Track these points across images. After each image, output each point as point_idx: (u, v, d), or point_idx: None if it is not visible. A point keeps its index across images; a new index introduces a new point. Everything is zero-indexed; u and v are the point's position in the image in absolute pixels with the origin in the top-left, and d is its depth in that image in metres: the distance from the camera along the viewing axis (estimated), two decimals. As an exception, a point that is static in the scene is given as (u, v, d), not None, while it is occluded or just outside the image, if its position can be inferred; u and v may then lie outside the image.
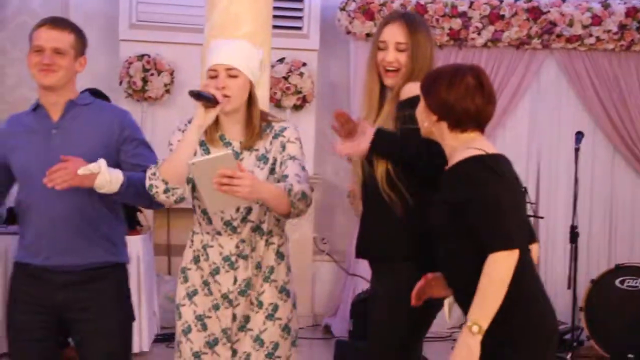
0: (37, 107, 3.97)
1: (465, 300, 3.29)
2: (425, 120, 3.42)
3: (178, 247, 8.58)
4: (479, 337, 3.17)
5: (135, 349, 7.53)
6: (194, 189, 3.81)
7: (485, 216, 3.23)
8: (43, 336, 3.91)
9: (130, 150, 3.94)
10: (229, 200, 3.54)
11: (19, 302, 3.95)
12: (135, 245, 7.52)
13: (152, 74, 9.19)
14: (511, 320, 3.25)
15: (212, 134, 3.83)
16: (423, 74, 3.72)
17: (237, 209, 3.78)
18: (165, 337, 8.21)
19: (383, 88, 3.90)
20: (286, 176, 3.75)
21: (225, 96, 3.70)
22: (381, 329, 3.83)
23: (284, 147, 3.82)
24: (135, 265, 7.52)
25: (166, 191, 3.69)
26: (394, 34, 3.82)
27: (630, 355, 7.88)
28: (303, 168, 3.83)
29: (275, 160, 3.81)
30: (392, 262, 3.81)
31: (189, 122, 3.87)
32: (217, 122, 3.76)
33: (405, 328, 3.78)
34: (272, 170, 3.81)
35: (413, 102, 3.64)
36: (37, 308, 3.89)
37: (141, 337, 7.68)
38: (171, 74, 9.28)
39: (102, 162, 3.71)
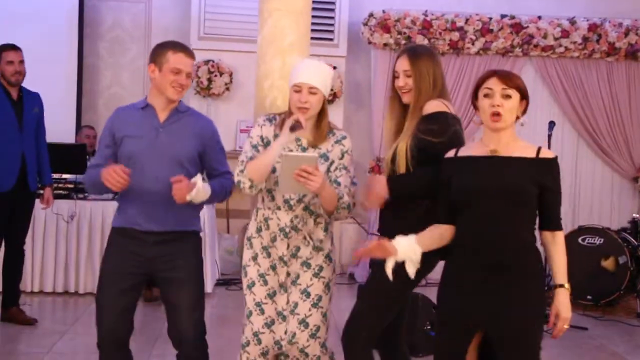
0: (146, 107, 3.96)
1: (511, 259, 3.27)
2: (515, 113, 3.33)
3: (234, 211, 8.64)
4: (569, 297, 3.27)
5: (202, 290, 7.62)
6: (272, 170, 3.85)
7: (558, 203, 3.32)
8: (128, 286, 3.89)
9: (213, 154, 3.96)
10: (298, 188, 3.60)
11: (114, 257, 3.94)
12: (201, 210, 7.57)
13: (215, 75, 9.25)
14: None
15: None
16: (430, 89, 3.79)
17: None
18: (225, 282, 8.28)
19: (403, 105, 3.90)
20: (339, 183, 3.80)
21: (306, 109, 3.75)
22: (380, 278, 3.82)
23: (342, 155, 3.86)
24: (201, 225, 7.58)
25: (251, 187, 3.78)
26: (402, 65, 3.84)
27: (589, 297, 7.90)
28: (353, 180, 3.88)
29: (333, 161, 3.84)
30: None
31: (268, 119, 3.94)
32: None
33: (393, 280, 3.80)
34: (329, 167, 3.84)
35: (433, 117, 3.70)
36: (131, 261, 3.89)
37: (205, 281, 7.74)
38: (230, 75, 9.33)
39: (198, 180, 3.75)
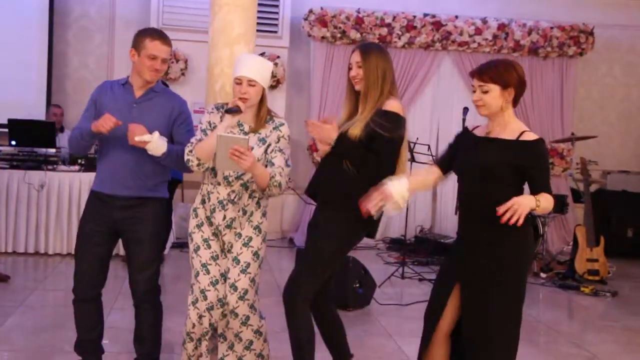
0: (126, 83, 3.97)
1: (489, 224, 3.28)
2: (501, 102, 3.34)
3: (188, 182, 8.59)
4: (535, 206, 3.21)
5: (159, 251, 7.58)
6: None
7: (544, 178, 3.33)
8: (101, 241, 3.93)
9: (180, 130, 3.95)
10: (232, 166, 3.62)
11: (89, 216, 3.97)
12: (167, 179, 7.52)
13: (172, 62, 9.14)
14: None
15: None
16: (378, 80, 3.81)
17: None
18: (179, 245, 8.23)
19: (356, 93, 3.91)
20: (273, 164, 3.79)
21: (245, 99, 3.75)
22: (319, 246, 3.86)
23: (278, 139, 3.85)
24: (166, 192, 7.52)
25: (198, 165, 3.79)
26: (355, 57, 3.89)
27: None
28: (287, 162, 3.85)
29: (270, 144, 3.83)
30: (337, 206, 3.84)
31: (216, 107, 3.94)
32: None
33: (330, 246, 3.83)
34: (266, 150, 3.83)
35: (391, 115, 3.73)
36: (101, 220, 3.92)
37: (162, 243, 7.71)
38: (185, 62, 9.25)
39: (155, 134, 3.77)
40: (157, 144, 3.77)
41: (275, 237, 9.22)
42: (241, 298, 3.84)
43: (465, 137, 3.56)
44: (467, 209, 3.44)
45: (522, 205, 3.16)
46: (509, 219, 3.14)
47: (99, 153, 4.02)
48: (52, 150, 7.65)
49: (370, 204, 3.44)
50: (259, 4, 7.52)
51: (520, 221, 3.15)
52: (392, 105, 3.79)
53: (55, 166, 7.56)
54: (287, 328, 3.84)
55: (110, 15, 9.44)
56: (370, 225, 3.86)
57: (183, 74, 9.23)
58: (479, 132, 3.51)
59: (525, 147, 3.30)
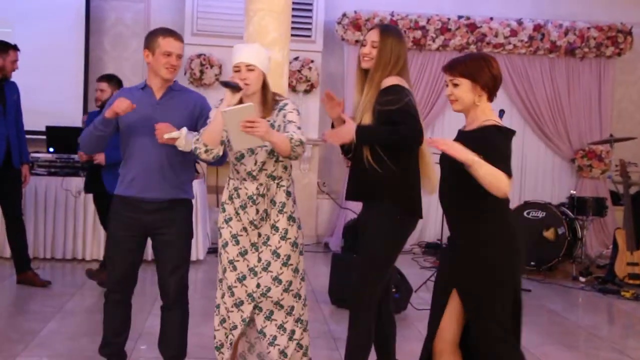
0: (144, 87, 4.00)
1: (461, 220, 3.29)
2: (472, 97, 3.26)
3: (223, 187, 8.61)
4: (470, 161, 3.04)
5: (194, 257, 7.61)
6: (231, 147, 3.84)
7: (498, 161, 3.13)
8: (133, 246, 3.97)
9: (203, 125, 3.93)
10: (250, 140, 3.57)
11: (118, 222, 3.99)
12: (194, 187, 7.51)
13: (206, 67, 9.20)
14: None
15: None
16: (390, 63, 3.78)
17: (255, 162, 3.80)
18: (214, 250, 8.22)
19: (363, 74, 3.89)
20: (287, 132, 3.74)
21: (246, 84, 3.74)
22: (372, 248, 3.83)
23: (284, 116, 3.82)
24: (193, 200, 7.56)
25: (206, 151, 3.76)
26: (371, 36, 3.84)
27: (532, 263, 7.98)
28: (299, 128, 3.79)
29: (279, 126, 3.80)
30: (379, 200, 3.82)
31: (221, 101, 3.90)
32: (241, 102, 3.74)
33: (385, 248, 3.81)
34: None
35: (389, 89, 3.68)
36: (130, 226, 3.95)
37: (198, 249, 7.75)
38: (220, 67, 9.29)
39: (183, 130, 3.80)
40: (186, 140, 3.80)
41: (311, 242, 9.22)
42: (286, 290, 3.86)
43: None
44: (443, 205, 3.40)
45: (449, 143, 3.09)
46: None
47: (123, 157, 4.03)
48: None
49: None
50: (293, 9, 7.54)
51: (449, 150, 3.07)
52: (388, 81, 3.74)
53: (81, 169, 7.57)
54: (347, 336, 3.83)
55: (145, 22, 9.53)
56: (412, 206, 3.80)
57: (217, 79, 9.27)
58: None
59: (477, 135, 3.23)
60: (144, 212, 3.93)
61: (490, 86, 3.27)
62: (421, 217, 3.91)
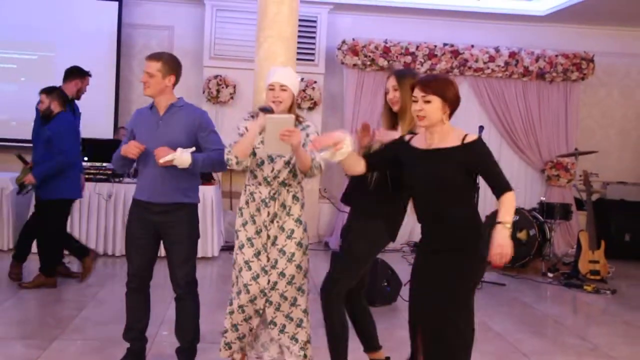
0: (152, 107, 4.01)
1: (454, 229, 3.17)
2: (440, 114, 3.14)
3: (236, 192, 8.62)
4: (509, 229, 3.10)
5: (209, 254, 7.59)
6: (254, 154, 3.83)
7: (496, 172, 3.21)
8: (146, 242, 3.97)
9: (203, 136, 3.93)
10: (282, 148, 3.57)
11: (133, 221, 4.01)
12: (210, 192, 7.56)
13: (222, 87, 9.19)
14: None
15: None
16: (411, 100, 3.78)
17: (272, 170, 3.80)
18: (228, 248, 8.22)
19: (393, 114, 3.87)
20: (309, 152, 3.74)
21: (279, 102, 3.75)
22: (355, 250, 3.85)
23: (307, 135, 3.81)
24: (209, 204, 7.56)
25: (237, 163, 3.77)
26: (391, 82, 3.84)
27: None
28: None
29: (302, 143, 3.76)
30: (368, 216, 3.82)
31: (251, 115, 3.91)
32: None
33: (363, 248, 3.82)
34: None
35: None
36: (143, 225, 3.96)
37: (213, 246, 7.72)
38: (234, 87, 9.28)
39: (178, 151, 3.79)
40: (181, 159, 3.80)
41: (313, 241, 9.18)
42: (289, 283, 3.84)
43: (403, 149, 3.31)
44: (428, 219, 3.24)
45: (504, 245, 3.06)
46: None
47: (138, 166, 4.07)
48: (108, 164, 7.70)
49: (322, 141, 3.22)
50: (299, 36, 7.54)
51: (509, 257, 3.06)
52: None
53: (121, 179, 7.61)
54: (324, 320, 3.82)
55: (169, 47, 9.51)
56: (393, 231, 3.85)
57: (232, 98, 9.28)
58: (418, 144, 3.27)
59: (470, 149, 3.15)
60: (153, 213, 3.94)
61: (454, 105, 3.19)
62: (393, 241, 3.94)
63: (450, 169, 3.13)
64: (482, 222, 3.27)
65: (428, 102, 3.13)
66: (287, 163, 3.81)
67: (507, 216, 3.12)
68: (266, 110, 3.70)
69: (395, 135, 3.66)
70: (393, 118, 3.89)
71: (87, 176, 7.58)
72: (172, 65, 3.94)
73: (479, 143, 3.17)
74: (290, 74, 3.84)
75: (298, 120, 3.86)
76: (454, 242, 3.15)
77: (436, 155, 3.17)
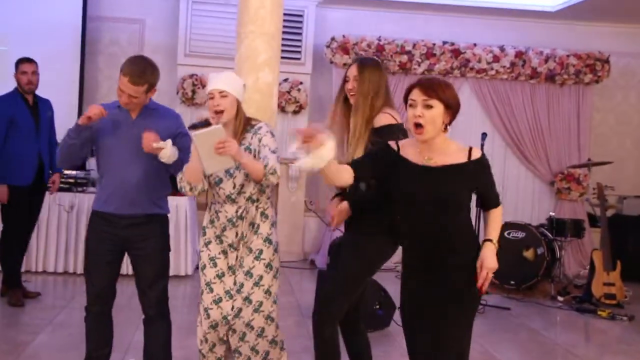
0: (120, 106, 3.93)
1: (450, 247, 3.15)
2: (441, 124, 3.09)
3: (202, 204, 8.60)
4: (495, 249, 3.13)
5: (182, 272, 7.57)
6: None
7: (492, 187, 3.24)
8: (110, 259, 3.94)
9: (181, 144, 3.90)
10: (222, 162, 3.56)
11: (96, 236, 3.96)
12: (184, 204, 7.56)
13: (198, 88, 9.21)
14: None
15: None
16: (371, 93, 3.79)
17: (234, 186, 3.79)
18: (204, 265, 8.24)
19: (347, 105, 3.90)
20: (262, 157, 3.73)
21: (220, 110, 3.71)
22: (346, 265, 3.85)
23: (260, 140, 3.80)
24: (183, 217, 7.56)
25: (190, 189, 3.77)
26: (352, 71, 3.87)
27: (512, 282, 7.99)
28: (273, 152, 3.76)
29: (255, 149, 3.78)
30: (362, 222, 3.83)
31: (194, 126, 3.82)
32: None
33: (359, 266, 3.82)
34: (254, 156, 3.77)
35: (382, 130, 3.71)
36: (107, 240, 3.92)
37: (186, 265, 7.71)
38: (211, 87, 9.29)
39: (169, 141, 3.77)
40: (171, 151, 3.78)
41: (297, 259, 9.20)
42: (256, 310, 3.82)
43: (396, 161, 3.21)
44: (424, 237, 3.19)
45: (490, 267, 3.10)
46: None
47: (99, 173, 4.01)
48: (82, 173, 7.69)
49: (304, 134, 3.05)
50: (284, 32, 7.54)
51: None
52: (381, 119, 3.76)
53: (84, 188, 7.60)
54: (314, 346, 3.82)
55: (139, 43, 9.52)
56: (395, 235, 3.77)
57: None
58: (413, 157, 3.18)
59: (478, 165, 3.15)
60: (120, 227, 3.91)
61: (455, 113, 3.15)
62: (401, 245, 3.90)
63: (458, 187, 3.12)
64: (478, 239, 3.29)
65: (430, 107, 3.06)
66: (247, 175, 3.78)
67: (495, 233, 3.19)
68: (195, 126, 3.70)
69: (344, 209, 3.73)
70: (347, 110, 3.89)
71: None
72: (155, 80, 3.89)
73: (485, 158, 3.19)
74: (230, 78, 3.83)
75: (249, 124, 3.85)
76: (453, 261, 3.16)
77: (442, 173, 3.11)
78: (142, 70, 3.79)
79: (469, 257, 3.15)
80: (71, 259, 7.52)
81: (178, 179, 3.80)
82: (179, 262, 7.60)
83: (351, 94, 3.86)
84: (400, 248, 3.81)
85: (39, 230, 7.38)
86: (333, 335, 3.80)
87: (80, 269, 7.47)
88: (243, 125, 3.84)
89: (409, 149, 3.22)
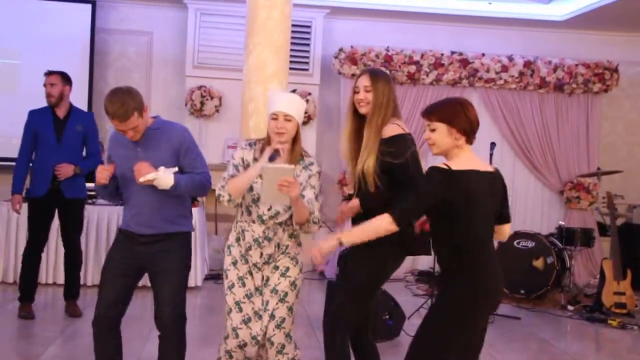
0: None
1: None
2: (450, 141, 3.28)
3: (222, 215, 8.63)
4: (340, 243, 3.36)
5: (192, 283, 7.59)
6: (250, 189, 3.86)
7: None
8: (127, 272, 3.96)
9: (187, 159, 3.94)
10: (279, 198, 3.60)
11: (116, 249, 4.02)
12: (193, 215, 7.55)
13: (207, 99, 9.24)
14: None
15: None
16: (384, 105, 3.82)
17: (269, 209, 3.81)
18: (212, 277, 8.25)
19: (359, 117, 3.93)
20: (304, 196, 3.77)
21: (282, 133, 3.75)
22: (355, 276, 3.87)
23: (309, 176, 3.85)
24: (191, 225, 7.57)
25: (229, 201, 3.78)
26: (363, 81, 3.88)
27: (522, 291, 7.99)
28: (316, 197, 3.85)
29: (301, 184, 3.79)
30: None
31: (249, 144, 3.92)
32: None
33: (368, 277, 3.84)
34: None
35: (391, 140, 3.74)
36: (127, 254, 3.96)
37: (196, 276, 7.72)
38: (220, 99, 9.32)
39: (160, 170, 3.79)
40: (163, 179, 3.79)
41: (306, 270, 9.16)
42: (278, 326, 3.83)
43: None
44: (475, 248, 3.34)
45: (317, 249, 3.37)
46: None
47: (123, 196, 4.08)
48: (92, 185, 7.69)
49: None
50: (292, 43, 7.59)
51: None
52: (389, 130, 3.78)
53: (94, 200, 7.62)
54: (325, 357, 3.83)
55: (148, 55, 9.59)
56: (409, 247, 3.83)
57: (217, 111, 9.31)
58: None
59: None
60: (140, 243, 3.96)
61: (467, 130, 3.31)
62: (412, 254, 3.92)
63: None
64: None
65: (433, 130, 3.30)
66: (288, 207, 3.81)
67: (350, 235, 3.49)
68: (273, 158, 3.72)
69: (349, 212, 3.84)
70: (357, 122, 3.92)
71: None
72: (139, 104, 3.84)
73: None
74: (295, 102, 3.84)
75: (301, 155, 3.90)
76: (439, 280, 3.34)
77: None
78: (121, 105, 3.76)
79: (445, 284, 3.30)
80: (82, 270, 7.50)
81: (218, 187, 3.81)
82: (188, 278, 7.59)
83: (361, 104, 3.88)
84: (409, 258, 3.86)
85: (48, 242, 7.37)
86: (344, 346, 3.81)
87: (91, 281, 7.50)
88: (298, 152, 3.88)
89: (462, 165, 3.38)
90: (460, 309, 3.19)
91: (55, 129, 6.24)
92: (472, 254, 3.24)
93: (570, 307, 7.76)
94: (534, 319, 7.31)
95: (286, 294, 3.86)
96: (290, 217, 3.86)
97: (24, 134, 6.28)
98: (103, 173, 3.87)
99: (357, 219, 3.89)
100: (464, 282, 3.20)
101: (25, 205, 6.39)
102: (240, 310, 3.86)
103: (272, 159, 3.72)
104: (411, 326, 6.34)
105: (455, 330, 3.21)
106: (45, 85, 6.30)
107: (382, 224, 3.27)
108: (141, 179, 3.76)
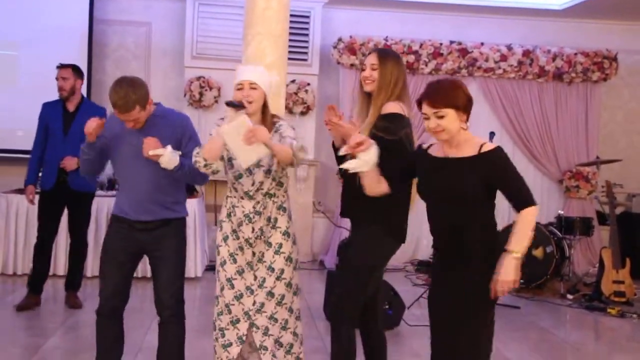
0: None
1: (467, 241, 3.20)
2: (458, 124, 3.17)
3: (221, 206, 8.62)
4: (517, 259, 3.15)
5: (192, 274, 7.60)
6: (231, 166, 3.89)
7: (516, 186, 3.19)
8: (126, 259, 3.98)
9: (189, 148, 3.95)
10: (255, 152, 3.59)
11: (113, 237, 4.02)
12: (193, 205, 7.58)
13: (205, 90, 9.24)
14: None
15: None
16: (390, 85, 3.80)
17: (252, 183, 3.83)
18: (213, 267, 8.17)
19: (368, 97, 3.91)
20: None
21: (249, 102, 3.79)
22: (354, 263, 3.87)
23: (281, 134, 3.85)
24: (192, 218, 7.58)
25: (205, 165, 3.78)
26: (370, 59, 3.88)
27: (521, 280, 7.94)
28: (293, 138, 3.82)
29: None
30: (365, 222, 3.84)
31: (222, 119, 3.96)
32: None
33: (365, 259, 3.82)
34: None
35: (389, 116, 3.72)
36: (125, 241, 3.97)
37: (196, 266, 7.74)
38: (219, 89, 9.33)
39: (168, 148, 3.81)
40: (169, 158, 3.81)
41: (306, 260, 9.22)
42: (279, 303, 3.88)
43: (421, 158, 3.38)
44: (442, 232, 3.29)
45: (503, 279, 3.13)
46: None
47: (118, 181, 4.09)
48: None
49: (351, 141, 3.25)
50: (290, 33, 7.58)
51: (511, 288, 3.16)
52: (389, 107, 3.77)
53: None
54: (331, 343, 3.84)
55: (146, 46, 9.58)
56: (399, 233, 3.84)
57: (216, 101, 9.31)
58: (435, 153, 3.34)
59: (486, 159, 3.16)
60: (136, 230, 3.97)
61: (468, 109, 3.22)
62: (403, 242, 3.91)
63: (463, 180, 3.16)
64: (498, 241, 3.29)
65: (442, 117, 3.16)
66: (268, 172, 3.84)
67: (518, 244, 3.15)
68: (233, 104, 3.74)
69: (349, 130, 3.65)
70: (367, 100, 3.91)
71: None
72: (143, 96, 3.85)
73: (496, 152, 3.18)
74: (260, 71, 3.90)
75: (272, 121, 3.91)
76: (469, 259, 3.20)
77: (450, 165, 3.22)
78: (124, 96, 3.78)
79: (483, 260, 3.19)
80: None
81: (194, 153, 3.82)
82: (189, 264, 7.59)
83: (366, 81, 3.87)
84: (404, 246, 3.85)
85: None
86: (350, 335, 3.80)
87: (91, 272, 7.51)
88: (269, 120, 3.88)
89: (434, 148, 3.36)
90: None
91: (63, 122, 6.24)
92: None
93: (569, 296, 7.78)
94: (534, 308, 7.33)
95: (282, 270, 3.89)
96: (277, 184, 3.89)
97: (37, 126, 6.33)
98: (92, 124, 3.85)
99: (348, 197, 3.89)
100: (497, 257, 3.17)
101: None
102: (233, 287, 3.91)
103: (232, 104, 3.73)
104: (411, 316, 6.36)
105: (495, 302, 3.26)
106: (57, 78, 6.29)
107: (534, 215, 3.18)
108: (150, 152, 3.77)
